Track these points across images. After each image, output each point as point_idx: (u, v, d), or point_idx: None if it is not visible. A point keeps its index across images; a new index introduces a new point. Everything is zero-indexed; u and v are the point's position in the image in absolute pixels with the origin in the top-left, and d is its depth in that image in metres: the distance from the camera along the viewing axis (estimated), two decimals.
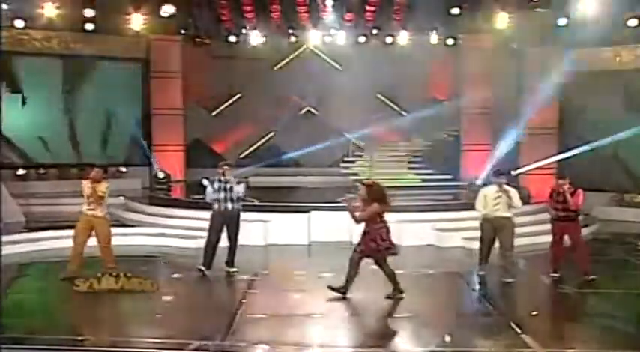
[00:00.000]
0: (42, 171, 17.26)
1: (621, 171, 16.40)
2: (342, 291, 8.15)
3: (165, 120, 18.10)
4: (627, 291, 8.91)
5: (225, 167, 9.62)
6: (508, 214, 9.20)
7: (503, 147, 16.12)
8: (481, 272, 9.41)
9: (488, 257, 9.39)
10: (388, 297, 8.13)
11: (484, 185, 9.80)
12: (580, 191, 9.09)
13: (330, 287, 8.18)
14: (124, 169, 18.13)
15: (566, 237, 9.29)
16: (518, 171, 16.42)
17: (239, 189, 9.51)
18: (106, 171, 9.66)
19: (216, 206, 9.53)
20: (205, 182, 9.83)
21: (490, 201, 9.18)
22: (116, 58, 17.78)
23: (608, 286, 8.89)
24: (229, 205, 9.47)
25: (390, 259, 8.24)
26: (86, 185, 9.13)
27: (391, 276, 8.22)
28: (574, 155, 16.00)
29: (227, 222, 9.54)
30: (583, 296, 8.71)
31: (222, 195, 9.46)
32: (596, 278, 8.96)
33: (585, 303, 8.62)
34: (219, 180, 9.50)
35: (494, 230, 9.21)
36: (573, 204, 9.01)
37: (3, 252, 8.06)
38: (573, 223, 9.20)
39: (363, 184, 8.38)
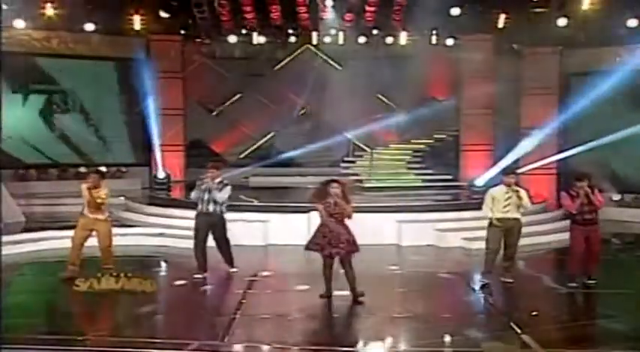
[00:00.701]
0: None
1: (621, 171, 16.41)
2: (328, 294, 8.19)
3: (165, 120, 18.11)
4: (627, 292, 8.89)
5: (212, 169, 9.45)
6: (517, 215, 8.90)
7: (507, 147, 16.08)
8: (486, 281, 8.97)
9: (494, 264, 9.01)
10: (321, 296, 8.14)
11: (494, 185, 9.46)
12: (597, 190, 8.74)
13: (322, 296, 8.20)
14: (124, 169, 18.15)
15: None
16: (520, 171, 16.40)
17: (221, 195, 9.31)
18: (103, 175, 9.63)
19: (199, 206, 9.41)
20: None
21: (500, 202, 8.81)
22: (116, 58, 17.78)
23: (608, 286, 8.86)
24: (211, 207, 9.33)
25: (391, 259, 8.24)
26: (84, 190, 9.13)
27: (353, 280, 8.12)
28: (573, 155, 16.06)
29: (211, 227, 9.41)
30: (583, 297, 8.68)
31: (205, 196, 9.33)
32: (596, 280, 8.83)
33: (585, 303, 8.62)
34: (206, 181, 9.38)
35: (504, 233, 8.87)
36: (599, 203, 8.62)
37: (3, 252, 8.06)
38: (597, 226, 8.77)
39: (338, 182, 8.26)
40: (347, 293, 8.21)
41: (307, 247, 8.30)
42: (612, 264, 10.30)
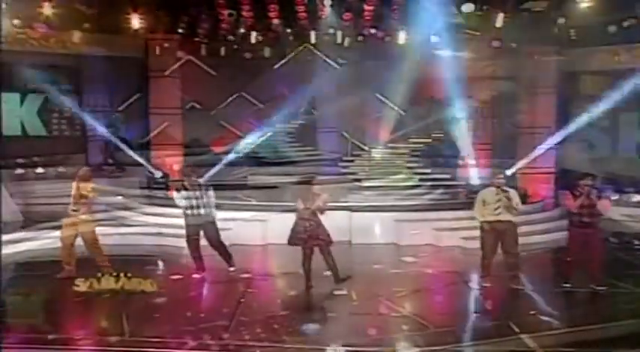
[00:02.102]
0: (41, 170, 17.26)
1: (620, 170, 16.42)
2: (309, 285, 8.66)
3: (164, 119, 18.06)
4: (627, 291, 8.92)
5: (190, 171, 9.53)
6: (509, 217, 8.79)
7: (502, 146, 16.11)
8: (486, 284, 8.93)
9: (490, 267, 8.96)
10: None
11: (484, 186, 9.39)
12: (597, 194, 8.52)
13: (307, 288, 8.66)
14: (122, 168, 18.10)
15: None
16: (512, 170, 16.39)
17: (211, 197, 9.37)
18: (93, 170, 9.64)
19: (189, 212, 9.39)
20: None
21: (490, 204, 8.73)
22: (114, 58, 17.74)
23: (608, 286, 8.87)
24: (202, 210, 9.34)
25: (391, 258, 8.31)
26: (73, 184, 9.14)
27: (334, 268, 8.78)
28: (571, 154, 16.05)
29: (201, 228, 9.40)
30: (583, 297, 8.70)
31: (193, 200, 9.33)
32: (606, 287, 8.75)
33: (585, 303, 8.62)
34: (191, 185, 9.36)
35: (497, 236, 8.79)
36: (604, 208, 8.37)
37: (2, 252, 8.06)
38: (595, 230, 8.51)
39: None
40: (346, 292, 8.25)
41: (290, 242, 8.76)
42: (612, 264, 10.33)
